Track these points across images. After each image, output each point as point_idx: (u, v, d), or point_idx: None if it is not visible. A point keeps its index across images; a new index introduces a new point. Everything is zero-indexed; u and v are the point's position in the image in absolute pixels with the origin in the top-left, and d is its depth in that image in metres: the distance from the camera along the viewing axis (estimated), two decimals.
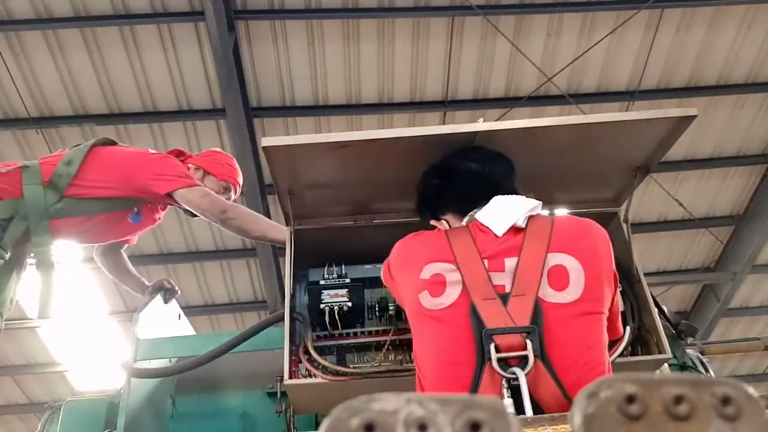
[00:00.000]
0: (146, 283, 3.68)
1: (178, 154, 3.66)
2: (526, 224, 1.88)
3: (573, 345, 1.70)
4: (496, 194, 1.99)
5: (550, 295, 1.74)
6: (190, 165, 3.59)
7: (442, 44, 6.94)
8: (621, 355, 2.34)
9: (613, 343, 2.42)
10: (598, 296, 1.79)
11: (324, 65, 6.97)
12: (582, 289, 1.76)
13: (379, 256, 2.27)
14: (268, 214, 7.88)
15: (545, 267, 1.77)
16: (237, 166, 3.79)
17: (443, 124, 7.30)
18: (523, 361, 1.62)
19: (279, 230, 3.14)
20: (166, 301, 3.41)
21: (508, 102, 7.34)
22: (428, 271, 1.83)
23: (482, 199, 1.98)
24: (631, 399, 0.57)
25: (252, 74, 6.97)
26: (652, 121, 2.27)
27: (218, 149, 4.05)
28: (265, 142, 2.16)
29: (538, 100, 7.33)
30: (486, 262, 1.81)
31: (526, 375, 1.60)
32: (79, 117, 7.10)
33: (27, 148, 7.24)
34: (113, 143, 3.56)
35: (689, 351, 3.07)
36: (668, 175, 8.06)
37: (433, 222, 2.14)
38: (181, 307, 3.63)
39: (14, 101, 6.87)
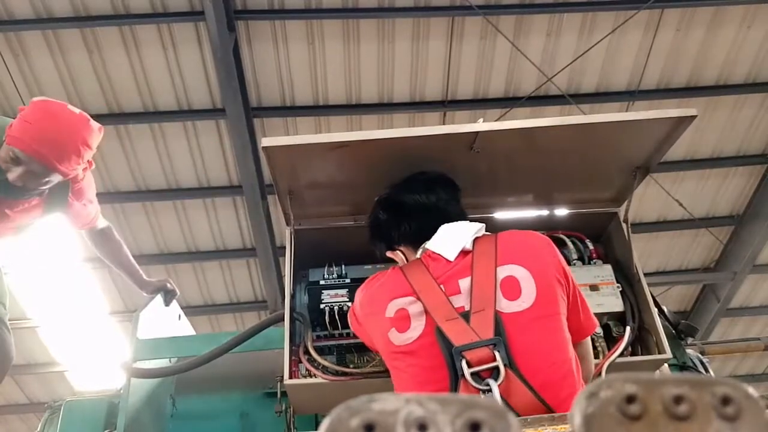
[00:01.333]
0: (144, 277, 3.62)
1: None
2: (473, 246, 1.97)
3: (537, 349, 1.77)
4: (443, 222, 2.07)
5: (505, 306, 1.82)
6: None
7: (442, 44, 6.94)
8: (621, 355, 2.35)
9: (612, 342, 2.43)
10: (552, 299, 1.87)
11: (324, 65, 6.97)
12: (535, 295, 1.84)
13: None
14: (267, 214, 7.89)
15: (497, 280, 1.86)
16: (53, 129, 2.81)
17: (443, 124, 7.30)
18: (494, 372, 1.69)
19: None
20: (167, 304, 3.39)
21: (507, 102, 7.33)
22: (392, 309, 1.90)
23: (432, 230, 2.07)
24: (631, 399, 0.57)
25: (252, 74, 6.97)
26: (652, 122, 2.28)
27: (50, 100, 3.09)
28: (266, 142, 2.17)
29: (538, 100, 7.33)
30: (443, 287, 1.89)
31: (499, 385, 1.66)
32: None
33: None
34: None
35: (689, 351, 3.07)
36: (668, 175, 8.05)
37: (388, 254, 2.22)
38: (181, 307, 3.62)
39: (14, 101, 6.85)
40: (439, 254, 1.98)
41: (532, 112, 7.33)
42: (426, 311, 1.84)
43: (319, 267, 2.60)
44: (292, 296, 2.46)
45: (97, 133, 2.99)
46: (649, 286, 2.55)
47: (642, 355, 2.47)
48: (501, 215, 2.72)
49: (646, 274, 2.57)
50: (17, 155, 2.74)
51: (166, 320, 3.33)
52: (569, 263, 2.63)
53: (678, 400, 0.57)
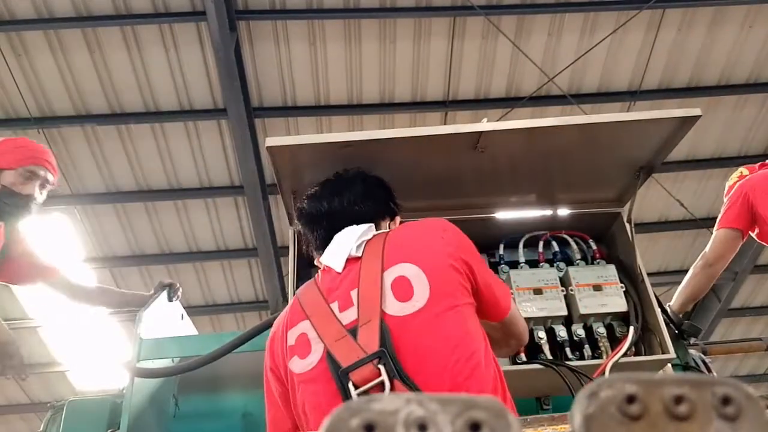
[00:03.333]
0: (141, 293, 3.61)
1: None
2: (363, 251, 1.83)
3: (436, 351, 1.64)
4: (337, 229, 1.94)
5: (398, 309, 1.68)
6: None
7: (443, 44, 6.94)
8: (625, 355, 2.35)
9: (616, 342, 2.43)
10: (449, 291, 1.72)
11: (325, 65, 6.97)
12: (428, 292, 1.69)
13: None
14: (269, 214, 7.89)
15: (384, 285, 1.71)
16: (33, 143, 3.33)
17: (444, 124, 7.31)
18: (383, 388, 1.56)
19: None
20: (170, 299, 3.37)
21: (509, 102, 7.33)
22: (292, 336, 1.77)
23: (331, 238, 1.94)
24: (631, 399, 0.57)
25: (253, 74, 6.97)
26: (656, 122, 2.28)
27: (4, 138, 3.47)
28: (269, 142, 2.17)
29: (539, 101, 7.33)
30: (336, 303, 1.75)
31: None
32: (80, 117, 7.11)
33: None
34: None
35: (692, 351, 3.07)
36: (669, 175, 8.05)
37: (316, 263, 2.09)
38: (183, 307, 3.62)
39: (16, 101, 6.87)
40: (329, 266, 1.86)
41: (533, 112, 7.33)
42: (318, 334, 1.71)
43: None
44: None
45: None
46: (652, 286, 2.55)
47: (646, 355, 2.47)
48: (504, 215, 2.72)
49: (647, 274, 2.56)
50: (36, 171, 3.18)
51: (168, 320, 3.34)
52: (572, 263, 2.63)
53: (678, 400, 0.57)
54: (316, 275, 1.92)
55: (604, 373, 2.22)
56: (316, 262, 2.07)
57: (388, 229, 1.97)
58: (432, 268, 1.73)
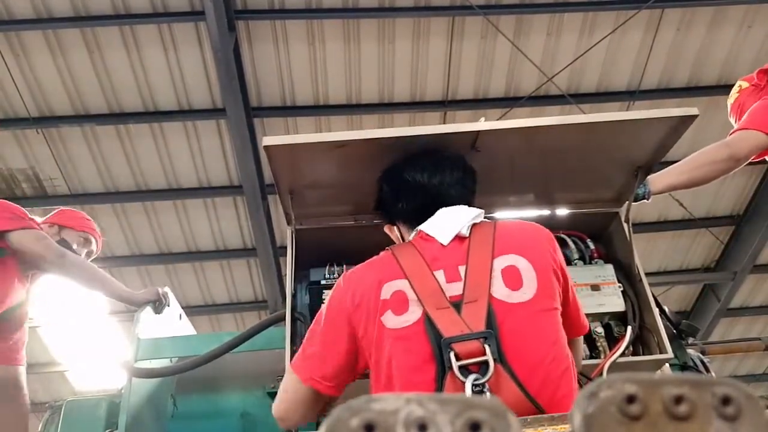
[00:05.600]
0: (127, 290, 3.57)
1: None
2: (470, 233, 1.88)
3: (536, 344, 1.70)
4: (442, 206, 1.98)
5: (506, 295, 1.74)
6: (43, 225, 3.58)
7: (442, 44, 6.94)
8: (622, 354, 2.35)
9: (614, 342, 2.43)
10: (551, 293, 1.80)
11: (324, 65, 6.98)
12: (536, 287, 1.76)
13: None
14: (268, 214, 7.89)
15: (494, 270, 1.77)
16: (91, 219, 3.88)
17: (443, 123, 7.30)
18: (483, 367, 1.61)
19: (115, 286, 3.44)
20: (157, 312, 3.27)
21: (508, 102, 7.34)
22: (388, 291, 1.79)
23: (430, 212, 1.97)
24: (631, 399, 0.57)
25: (252, 74, 6.97)
26: (653, 121, 2.27)
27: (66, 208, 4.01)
28: (267, 141, 2.16)
29: (538, 100, 7.33)
30: (443, 272, 1.80)
31: (487, 380, 1.58)
32: (79, 117, 7.11)
33: (27, 148, 7.25)
34: None
35: (690, 351, 3.07)
36: None
37: (386, 228, 2.16)
38: (182, 307, 3.62)
39: (14, 101, 6.87)
40: (432, 237, 1.90)
41: (532, 112, 7.34)
42: (417, 296, 1.75)
43: (320, 266, 2.60)
44: (293, 296, 2.46)
45: None
46: (650, 286, 2.55)
47: (643, 354, 2.47)
48: (502, 215, 2.72)
49: (646, 274, 2.56)
50: (89, 238, 3.79)
51: (166, 320, 3.33)
52: (570, 263, 2.63)
53: (678, 400, 0.57)
54: (413, 240, 1.96)
55: (601, 373, 2.21)
56: (389, 228, 2.14)
57: None
58: (540, 267, 1.81)
